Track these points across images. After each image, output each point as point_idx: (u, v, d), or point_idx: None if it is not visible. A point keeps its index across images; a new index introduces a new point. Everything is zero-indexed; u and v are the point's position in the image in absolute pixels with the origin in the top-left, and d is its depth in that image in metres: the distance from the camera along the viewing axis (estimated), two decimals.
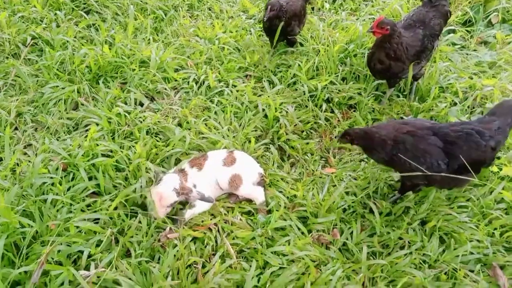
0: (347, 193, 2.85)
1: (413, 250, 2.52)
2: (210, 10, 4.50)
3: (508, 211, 2.71)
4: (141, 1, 4.19)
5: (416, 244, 2.56)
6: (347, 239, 2.59)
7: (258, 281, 2.32)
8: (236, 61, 3.75)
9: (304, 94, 3.48)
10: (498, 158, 2.96)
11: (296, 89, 3.53)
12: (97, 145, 2.83)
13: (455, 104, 3.47)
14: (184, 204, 2.63)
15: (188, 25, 4.13)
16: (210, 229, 2.56)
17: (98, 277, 2.19)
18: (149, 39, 3.86)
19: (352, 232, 2.62)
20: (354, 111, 3.48)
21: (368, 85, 3.58)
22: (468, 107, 3.45)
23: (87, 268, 2.28)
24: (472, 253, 2.50)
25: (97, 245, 2.38)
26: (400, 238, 2.60)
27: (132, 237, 2.42)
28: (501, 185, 2.77)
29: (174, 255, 2.30)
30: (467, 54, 3.99)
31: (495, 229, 2.62)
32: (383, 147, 2.70)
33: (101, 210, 2.52)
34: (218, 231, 2.56)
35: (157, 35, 3.99)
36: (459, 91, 3.50)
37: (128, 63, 3.49)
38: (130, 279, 2.21)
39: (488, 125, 2.52)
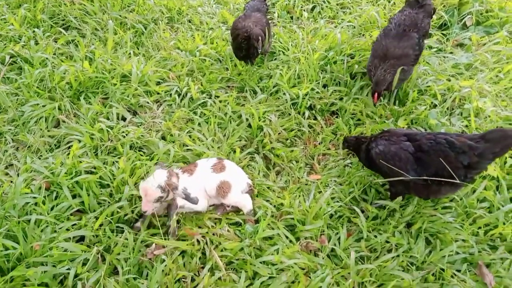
0: (333, 198, 2.87)
1: (400, 253, 2.55)
2: (190, 22, 4.51)
3: (491, 209, 2.76)
4: (120, 16, 4.18)
5: (403, 246, 2.58)
6: (335, 245, 2.60)
7: None
8: (218, 72, 3.76)
9: (287, 102, 3.50)
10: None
11: (279, 98, 3.55)
12: (80, 162, 2.81)
13: (435, 106, 3.53)
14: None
15: (169, 38, 4.14)
16: (198, 242, 2.55)
17: None
18: (130, 53, 3.85)
19: (339, 238, 2.64)
20: (337, 117, 3.52)
21: (350, 90, 3.62)
22: (448, 108, 3.52)
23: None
24: (458, 253, 2.54)
25: (84, 264, 2.35)
26: (387, 242, 2.63)
27: (119, 254, 2.39)
28: (483, 184, 2.82)
29: (162, 270, 2.29)
30: (444, 57, 4.06)
31: (479, 228, 2.67)
32: (361, 149, 2.80)
33: (86, 228, 2.49)
34: (206, 243, 2.55)
35: (138, 48, 3.98)
36: (438, 94, 3.56)
37: (109, 78, 3.48)
38: None
39: (463, 139, 2.53)
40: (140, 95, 3.45)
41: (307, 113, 3.47)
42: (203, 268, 2.42)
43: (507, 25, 4.35)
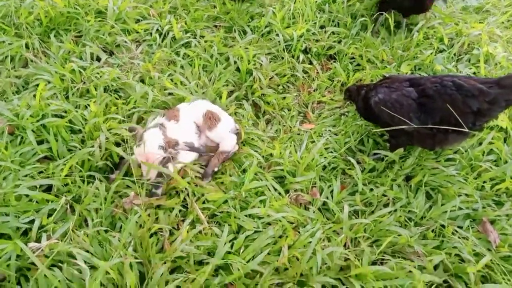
0: (327, 149, 2.64)
1: (397, 207, 2.35)
2: None
3: (498, 162, 2.54)
4: None
5: (401, 201, 2.38)
6: (327, 198, 2.39)
7: (232, 247, 2.11)
8: (204, 10, 3.40)
9: (279, 44, 3.19)
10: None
11: (271, 39, 3.23)
12: (49, 105, 2.52)
13: (441, 51, 3.24)
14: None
15: None
16: (178, 194, 2.33)
17: (51, 249, 1.95)
18: None
19: (332, 191, 2.43)
20: (334, 61, 3.22)
21: (349, 32, 3.31)
22: (455, 54, 3.23)
23: (38, 241, 2.04)
24: (460, 209, 2.35)
25: (50, 215, 2.12)
26: (384, 195, 2.42)
27: (89, 204, 2.16)
28: (490, 135, 2.59)
29: (136, 222, 2.07)
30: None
31: (485, 182, 2.47)
32: (359, 97, 2.55)
33: (54, 176, 2.25)
34: (188, 195, 2.33)
35: None
36: (445, 38, 3.26)
37: (83, 14, 3.12)
38: (87, 251, 1.98)
39: (473, 81, 2.28)
40: (117, 33, 3.11)
41: (301, 56, 3.17)
42: (183, 221, 2.21)
43: None
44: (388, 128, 2.30)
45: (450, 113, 2.20)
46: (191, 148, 2.37)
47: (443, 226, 2.29)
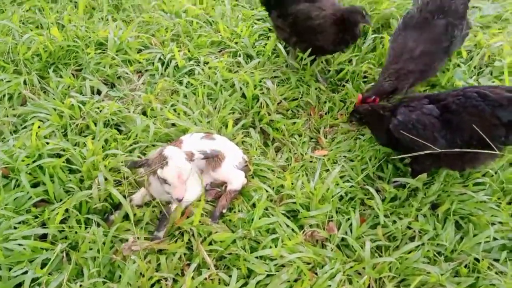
0: (342, 177, 2.44)
1: (425, 240, 2.12)
2: None
3: None
4: None
5: (429, 233, 2.15)
6: (345, 233, 2.18)
7: None
8: (208, 35, 3.28)
9: (287, 67, 3.03)
10: None
11: (276, 62, 3.07)
12: (46, 143, 2.39)
13: (459, 65, 3.03)
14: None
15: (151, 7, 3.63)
16: (182, 234, 2.15)
17: None
18: (107, 18, 3.37)
19: (351, 225, 2.21)
20: (346, 81, 3.04)
21: (360, 50, 3.13)
22: (475, 67, 3.01)
23: None
24: (495, 239, 2.11)
25: (45, 265, 1.96)
26: (409, 228, 2.20)
27: (86, 252, 1.99)
28: None
29: (136, 270, 1.89)
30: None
31: None
32: (379, 120, 2.35)
33: (49, 221, 2.09)
34: (193, 235, 2.14)
35: (117, 13, 3.49)
36: (463, 50, 3.06)
37: (83, 46, 3.02)
38: None
39: (499, 90, 2.08)
40: (118, 65, 3.00)
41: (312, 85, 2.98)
42: (188, 265, 2.02)
43: None
44: (413, 154, 2.09)
45: (480, 127, 1.99)
46: (206, 155, 2.23)
47: (477, 260, 2.05)
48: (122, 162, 2.30)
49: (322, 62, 3.16)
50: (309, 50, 2.85)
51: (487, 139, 1.95)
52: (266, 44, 3.19)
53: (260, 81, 2.89)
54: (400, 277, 2.00)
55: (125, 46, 3.09)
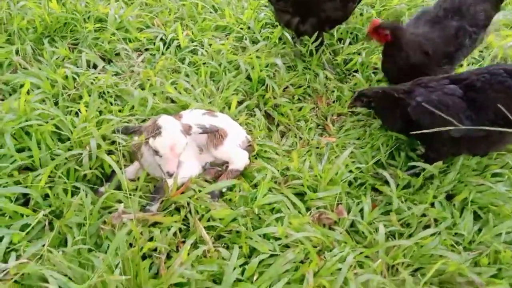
0: (352, 163, 2.28)
1: (442, 229, 1.95)
2: None
3: None
4: None
5: (446, 221, 1.99)
6: (355, 217, 2.01)
7: (243, 273, 1.71)
8: (213, 20, 3.16)
9: (294, 55, 2.91)
10: None
11: (284, 48, 2.95)
12: (34, 109, 2.20)
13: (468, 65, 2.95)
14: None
15: None
16: (178, 210, 1.96)
17: (18, 272, 1.56)
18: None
19: (362, 209, 2.05)
20: (355, 71, 2.92)
21: (369, 46, 3.03)
22: None
23: (6, 261, 1.65)
24: None
25: (23, 231, 1.75)
26: (424, 215, 2.03)
27: (71, 219, 1.79)
28: None
29: (126, 241, 1.69)
30: None
31: None
32: (392, 104, 2.21)
33: (32, 187, 1.89)
34: (190, 212, 1.95)
35: None
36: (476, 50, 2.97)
37: (81, 20, 2.87)
38: (64, 274, 1.59)
39: None
40: (117, 41, 2.85)
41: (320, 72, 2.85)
42: (183, 243, 1.82)
43: None
44: (437, 129, 1.95)
45: (508, 104, 1.86)
46: (204, 130, 2.05)
47: (497, 251, 1.89)
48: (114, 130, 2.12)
49: (330, 52, 3.05)
50: (315, 29, 2.73)
51: None
52: (272, 32, 3.07)
53: (267, 66, 2.76)
54: (416, 265, 1.82)
55: (126, 23, 2.95)
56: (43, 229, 1.80)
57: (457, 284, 1.77)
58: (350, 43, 3.10)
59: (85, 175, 2.01)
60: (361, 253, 1.84)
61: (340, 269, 1.73)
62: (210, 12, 3.25)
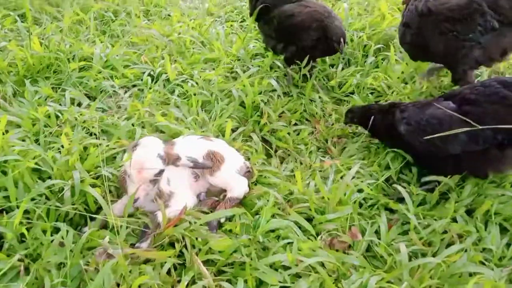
0: (361, 182, 2.10)
1: (467, 245, 1.75)
2: (169, 16, 3.88)
3: None
4: (86, 5, 3.54)
5: (471, 236, 1.79)
6: (371, 241, 1.80)
7: None
8: (202, 53, 3.08)
9: (287, 78, 2.81)
10: None
11: (277, 74, 2.85)
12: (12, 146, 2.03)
13: None
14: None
15: (143, 25, 3.47)
16: (172, 245, 1.74)
17: None
18: (94, 41, 3.16)
19: (377, 231, 1.85)
20: (351, 93, 2.81)
21: (363, 68, 2.95)
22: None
23: None
24: None
25: None
26: (445, 232, 1.83)
27: (49, 262, 1.56)
28: None
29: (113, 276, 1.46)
30: None
31: None
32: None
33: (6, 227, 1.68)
34: (186, 246, 1.73)
35: (104, 35, 3.29)
36: None
37: (65, 60, 2.77)
38: None
39: None
40: (103, 78, 2.73)
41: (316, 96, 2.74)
42: (179, 282, 1.60)
43: None
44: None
45: (505, 115, 1.74)
46: (196, 164, 1.88)
47: None
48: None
49: (323, 77, 2.96)
50: (294, 57, 2.70)
51: None
52: (263, 61, 2.99)
53: (260, 92, 2.65)
54: (446, 286, 1.60)
55: (112, 61, 2.85)
56: (18, 274, 1.57)
57: None
58: (342, 68, 3.01)
59: (67, 214, 1.81)
60: (382, 278, 1.62)
61: None
62: (199, 48, 3.18)
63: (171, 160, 1.83)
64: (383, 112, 2.21)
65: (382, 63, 3.04)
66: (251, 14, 2.89)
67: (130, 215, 1.88)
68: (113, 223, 1.66)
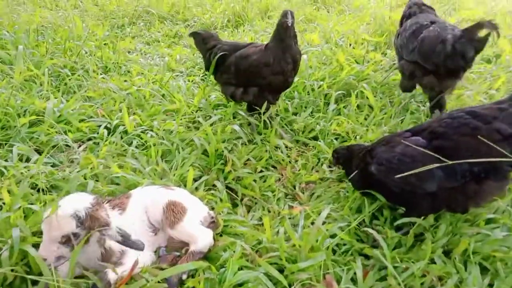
0: (332, 227, 1.98)
1: (450, 287, 1.63)
2: (129, 72, 3.83)
3: None
4: (38, 61, 3.42)
5: (452, 278, 1.68)
6: (348, 286, 1.65)
7: None
8: (162, 104, 3.00)
9: (251, 126, 2.74)
10: None
11: (240, 122, 2.79)
12: None
13: None
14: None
15: (100, 79, 3.38)
16: None
17: None
18: (48, 96, 3.02)
19: (352, 278, 1.71)
20: (315, 138, 2.76)
21: (327, 114, 2.94)
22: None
23: None
24: None
25: None
26: (423, 276, 1.71)
27: None
28: None
29: None
30: None
31: None
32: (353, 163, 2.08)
33: None
34: None
35: (58, 91, 3.16)
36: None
37: (14, 116, 2.61)
38: None
39: (487, 105, 1.90)
40: (56, 132, 2.57)
41: (280, 142, 2.67)
42: None
43: None
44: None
45: (480, 148, 1.70)
46: (125, 239, 1.63)
47: None
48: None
49: (286, 124, 2.92)
50: (257, 99, 2.69)
51: (493, 160, 1.64)
52: (226, 110, 2.94)
53: (224, 141, 2.56)
54: None
55: (66, 115, 2.71)
56: None
57: None
58: (306, 117, 2.99)
59: (5, 279, 1.58)
60: None
61: None
62: (160, 100, 3.10)
63: (95, 225, 1.60)
64: (359, 153, 2.13)
65: (344, 110, 3.04)
66: (207, 68, 2.88)
67: (79, 277, 1.67)
68: (56, 286, 1.44)
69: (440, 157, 1.60)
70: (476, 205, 1.91)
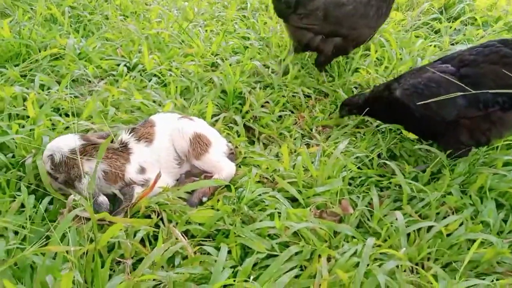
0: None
1: (464, 217, 1.64)
2: (148, 21, 3.80)
3: None
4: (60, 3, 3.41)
5: (467, 209, 1.69)
6: (364, 212, 1.68)
7: (235, 275, 1.32)
8: (181, 48, 2.99)
9: (270, 74, 2.73)
10: None
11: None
12: None
13: None
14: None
15: (119, 21, 3.36)
16: (149, 217, 1.57)
17: None
18: (68, 35, 3.03)
19: (368, 205, 1.73)
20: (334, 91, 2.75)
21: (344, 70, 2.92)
22: None
23: None
24: None
25: None
26: (441, 204, 1.73)
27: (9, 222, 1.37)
28: None
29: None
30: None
31: None
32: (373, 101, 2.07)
33: None
34: (162, 220, 1.57)
35: (78, 32, 3.16)
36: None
37: (35, 49, 2.63)
38: None
39: None
40: (76, 67, 2.59)
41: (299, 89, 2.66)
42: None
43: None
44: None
45: (505, 75, 1.68)
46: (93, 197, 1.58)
47: None
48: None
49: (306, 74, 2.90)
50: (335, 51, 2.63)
51: None
52: (244, 56, 2.92)
53: (242, 82, 2.56)
54: (445, 258, 1.48)
55: (86, 51, 2.72)
56: None
57: (496, 275, 1.43)
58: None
59: (29, 185, 1.63)
60: (379, 245, 1.50)
61: (358, 263, 1.37)
62: (179, 43, 3.09)
63: (70, 171, 1.62)
64: (380, 91, 2.12)
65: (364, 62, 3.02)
66: (277, 10, 2.71)
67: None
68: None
69: (464, 86, 1.60)
70: (499, 134, 1.89)
